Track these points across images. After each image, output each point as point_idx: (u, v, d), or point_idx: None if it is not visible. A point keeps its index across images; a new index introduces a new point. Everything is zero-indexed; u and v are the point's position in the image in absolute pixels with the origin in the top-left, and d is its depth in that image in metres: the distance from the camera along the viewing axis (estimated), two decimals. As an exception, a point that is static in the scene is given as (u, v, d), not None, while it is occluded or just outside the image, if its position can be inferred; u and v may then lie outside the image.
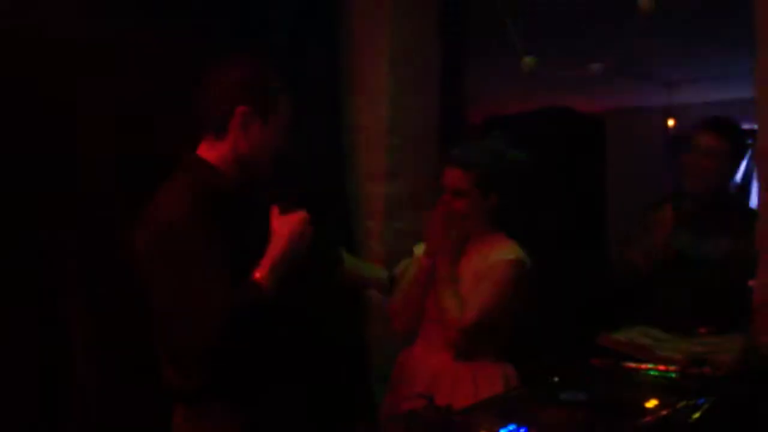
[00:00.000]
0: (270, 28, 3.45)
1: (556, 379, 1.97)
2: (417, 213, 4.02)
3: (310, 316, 2.28)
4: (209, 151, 2.07)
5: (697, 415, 1.56)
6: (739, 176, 8.72)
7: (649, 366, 2.04)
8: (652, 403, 1.67)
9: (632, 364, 2.07)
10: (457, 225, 2.55)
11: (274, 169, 2.15)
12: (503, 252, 2.52)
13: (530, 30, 3.10)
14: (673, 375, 1.92)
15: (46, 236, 2.69)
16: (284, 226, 2.04)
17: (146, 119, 2.87)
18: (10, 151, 2.58)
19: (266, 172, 2.13)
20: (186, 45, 2.98)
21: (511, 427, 1.47)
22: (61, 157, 2.70)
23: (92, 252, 2.77)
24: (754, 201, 3.89)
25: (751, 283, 2.50)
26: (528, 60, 2.99)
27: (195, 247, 1.84)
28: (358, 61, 3.98)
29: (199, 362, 1.91)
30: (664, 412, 1.57)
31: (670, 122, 8.28)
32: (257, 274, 1.92)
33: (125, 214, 2.11)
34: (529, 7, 3.24)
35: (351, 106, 3.97)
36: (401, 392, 2.46)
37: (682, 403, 1.63)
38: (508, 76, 4.22)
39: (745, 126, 3.71)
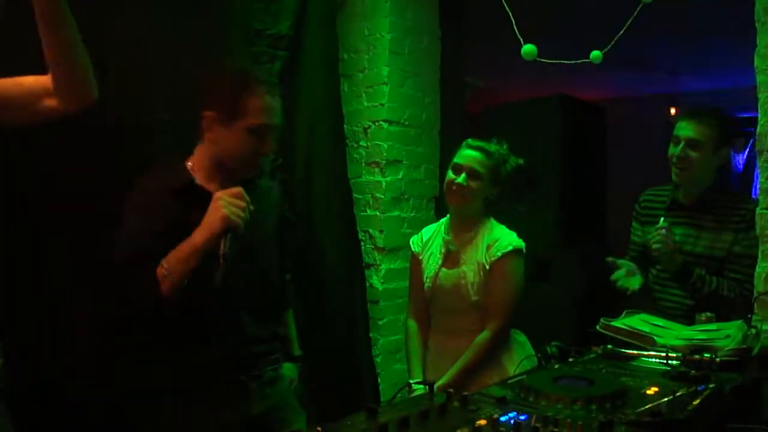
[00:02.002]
0: (273, 20, 3.44)
1: (556, 366, 1.97)
2: (417, 201, 4.04)
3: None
4: (197, 152, 2.26)
5: (697, 402, 1.55)
6: (740, 165, 8.73)
7: (650, 353, 2.04)
8: (652, 391, 1.67)
9: (633, 352, 2.07)
10: (464, 202, 2.81)
11: (253, 170, 2.26)
12: (503, 243, 2.77)
13: (531, 18, 3.09)
14: (674, 362, 1.92)
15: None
16: (207, 217, 2.08)
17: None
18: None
19: (244, 171, 2.23)
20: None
21: (512, 414, 1.47)
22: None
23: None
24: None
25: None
26: (528, 48, 2.98)
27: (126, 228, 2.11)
28: (358, 50, 3.98)
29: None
30: (665, 400, 1.56)
31: (673, 110, 8.27)
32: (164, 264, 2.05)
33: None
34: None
35: (351, 96, 3.98)
36: (440, 371, 2.79)
37: (682, 391, 1.63)
38: (509, 65, 4.22)
39: (749, 114, 3.69)
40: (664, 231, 2.83)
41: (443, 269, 2.86)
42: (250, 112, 2.13)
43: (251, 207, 2.08)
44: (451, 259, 2.87)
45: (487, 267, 2.76)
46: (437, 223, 3.03)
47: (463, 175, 2.78)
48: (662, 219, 2.89)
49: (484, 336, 2.76)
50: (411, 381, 2.69)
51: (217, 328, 2.23)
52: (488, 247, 2.78)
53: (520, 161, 2.88)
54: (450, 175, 2.84)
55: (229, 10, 3.23)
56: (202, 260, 2.04)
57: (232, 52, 3.23)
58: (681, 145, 2.86)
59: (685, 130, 2.87)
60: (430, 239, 2.98)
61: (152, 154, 2.89)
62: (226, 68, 2.30)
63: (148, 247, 2.07)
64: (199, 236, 2.04)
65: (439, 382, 2.68)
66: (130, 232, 2.12)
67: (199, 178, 2.22)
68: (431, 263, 2.91)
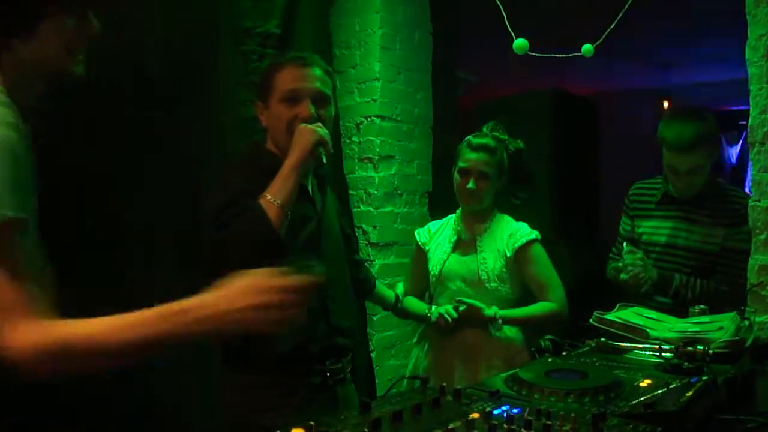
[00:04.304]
0: (262, 19, 3.43)
1: (550, 359, 1.97)
2: (411, 197, 4.04)
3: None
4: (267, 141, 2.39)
5: (690, 394, 1.55)
6: (734, 158, 8.74)
7: (643, 346, 2.04)
8: (645, 383, 1.67)
9: (626, 345, 2.07)
10: (478, 203, 2.87)
11: None
12: (526, 231, 2.86)
13: (522, 12, 3.09)
14: (667, 355, 1.92)
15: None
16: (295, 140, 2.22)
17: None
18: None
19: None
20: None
21: (504, 408, 1.46)
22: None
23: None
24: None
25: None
26: (520, 42, 2.98)
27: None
28: (349, 46, 3.98)
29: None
30: (658, 392, 1.57)
31: (666, 104, 8.28)
32: (266, 194, 2.11)
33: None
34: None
35: (343, 92, 3.97)
36: (439, 363, 2.84)
37: (675, 383, 1.63)
38: (501, 59, 4.21)
39: (742, 107, 3.69)
40: (636, 260, 2.85)
41: (453, 255, 2.90)
42: (278, 85, 2.27)
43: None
44: (464, 246, 2.91)
45: (509, 254, 2.81)
46: (445, 218, 3.07)
47: (472, 180, 2.82)
48: (625, 244, 2.93)
49: (548, 304, 2.81)
50: (426, 311, 2.87)
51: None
52: (510, 236, 2.84)
53: (520, 144, 2.92)
54: (457, 178, 2.87)
55: (217, 10, 3.22)
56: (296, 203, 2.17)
57: (221, 51, 3.23)
58: (683, 177, 2.85)
59: (683, 163, 2.82)
60: (438, 231, 3.03)
61: (146, 148, 2.90)
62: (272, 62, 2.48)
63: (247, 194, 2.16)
64: (293, 156, 2.17)
65: (500, 312, 2.74)
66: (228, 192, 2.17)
67: None
68: (438, 252, 2.94)
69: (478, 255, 2.85)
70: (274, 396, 2.16)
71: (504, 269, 2.81)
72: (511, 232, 2.85)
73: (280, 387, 2.18)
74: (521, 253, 2.81)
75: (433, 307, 2.84)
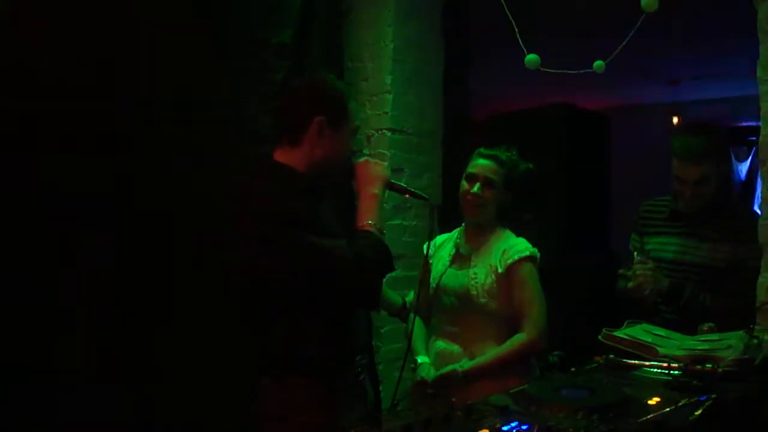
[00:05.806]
0: (276, 29, 3.45)
1: (559, 376, 1.97)
2: (420, 210, 4.04)
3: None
4: (286, 156, 2.25)
5: (699, 412, 1.56)
6: (743, 174, 8.71)
7: (652, 363, 2.04)
8: (654, 401, 1.67)
9: (635, 362, 2.07)
10: (480, 211, 2.84)
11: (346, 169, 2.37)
12: (520, 247, 2.79)
13: (534, 27, 3.10)
14: (676, 372, 1.92)
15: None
16: (359, 177, 2.33)
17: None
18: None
19: (341, 172, 2.34)
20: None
21: (514, 424, 1.47)
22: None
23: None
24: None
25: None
26: (531, 57, 2.99)
27: (311, 231, 2.10)
28: (361, 59, 4.00)
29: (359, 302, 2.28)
30: (667, 410, 1.57)
31: (675, 119, 8.28)
32: (358, 224, 2.20)
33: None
34: (533, 4, 3.23)
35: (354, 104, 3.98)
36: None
37: (684, 401, 1.63)
38: (512, 74, 4.23)
39: (752, 123, 3.69)
40: (645, 265, 2.85)
41: (450, 269, 2.87)
42: (350, 117, 2.32)
43: None
44: (460, 260, 2.88)
45: (500, 270, 2.75)
46: (452, 232, 3.04)
47: (478, 184, 2.81)
48: (635, 253, 2.94)
49: (519, 336, 2.71)
50: (417, 358, 2.85)
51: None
52: (503, 252, 2.79)
53: (530, 165, 2.91)
54: (464, 185, 2.85)
55: (231, 21, 3.24)
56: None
57: (233, 61, 3.25)
58: (690, 187, 2.85)
59: (686, 172, 2.84)
60: (443, 244, 3.01)
61: (160, 158, 2.93)
62: (330, 77, 2.43)
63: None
64: (376, 186, 2.30)
65: (465, 366, 2.70)
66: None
67: None
68: (439, 265, 2.93)
69: (470, 270, 2.83)
70: (317, 394, 2.19)
71: (495, 285, 2.76)
72: (506, 248, 2.80)
73: (323, 385, 2.20)
74: (512, 270, 2.76)
75: (419, 358, 2.84)
